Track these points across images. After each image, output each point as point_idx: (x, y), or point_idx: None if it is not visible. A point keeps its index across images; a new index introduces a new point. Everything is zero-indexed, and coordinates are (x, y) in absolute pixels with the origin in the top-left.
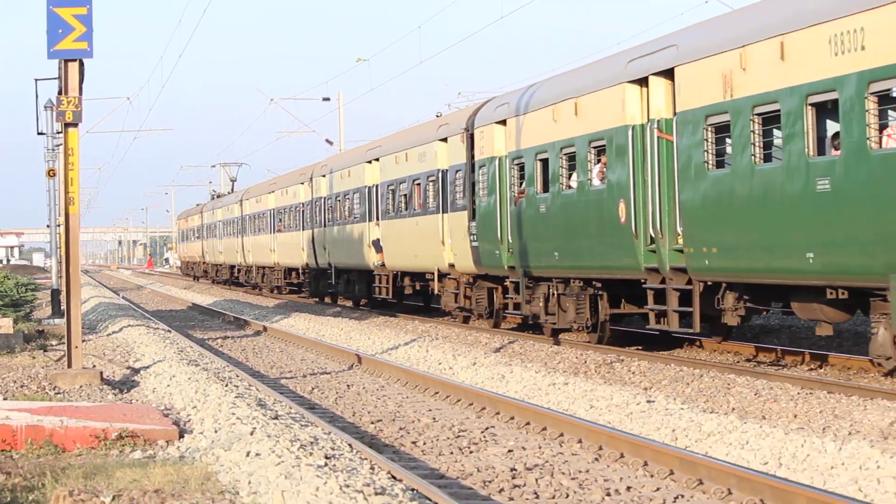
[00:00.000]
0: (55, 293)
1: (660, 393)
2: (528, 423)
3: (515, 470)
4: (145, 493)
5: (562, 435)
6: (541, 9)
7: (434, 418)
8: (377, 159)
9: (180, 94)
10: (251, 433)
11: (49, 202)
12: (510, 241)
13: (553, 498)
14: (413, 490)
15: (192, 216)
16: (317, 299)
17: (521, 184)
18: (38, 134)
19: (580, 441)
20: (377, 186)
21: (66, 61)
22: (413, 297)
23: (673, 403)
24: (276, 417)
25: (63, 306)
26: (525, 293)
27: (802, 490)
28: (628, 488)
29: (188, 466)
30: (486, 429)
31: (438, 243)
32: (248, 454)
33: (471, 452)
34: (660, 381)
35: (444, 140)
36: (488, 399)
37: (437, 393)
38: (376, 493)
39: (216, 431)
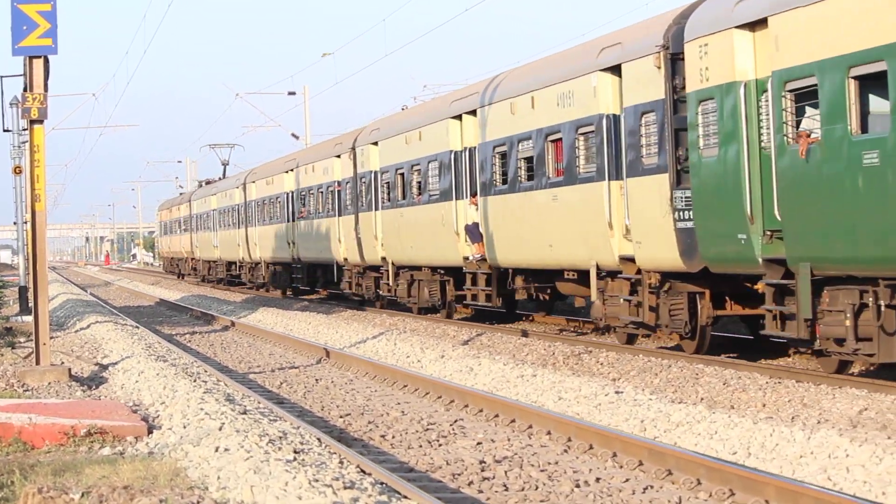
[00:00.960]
0: (23, 290)
1: (628, 384)
2: (496, 416)
3: (485, 462)
4: (114, 490)
5: (530, 427)
6: (505, 1)
7: (403, 411)
8: (473, 112)
9: (146, 89)
10: (220, 428)
11: (15, 199)
12: (776, 216)
13: (522, 490)
14: (382, 483)
15: (177, 206)
16: (359, 302)
17: (798, 123)
18: (4, 131)
19: (549, 433)
20: (473, 150)
21: (31, 58)
22: (520, 304)
23: (641, 394)
24: (244, 412)
25: (31, 303)
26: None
27: (771, 479)
28: (597, 480)
29: (157, 462)
30: (455, 421)
31: (602, 225)
32: (216, 449)
33: (440, 445)
34: (628, 371)
35: (613, 70)
36: (457, 392)
37: (405, 386)
38: (345, 487)
39: (185, 427)
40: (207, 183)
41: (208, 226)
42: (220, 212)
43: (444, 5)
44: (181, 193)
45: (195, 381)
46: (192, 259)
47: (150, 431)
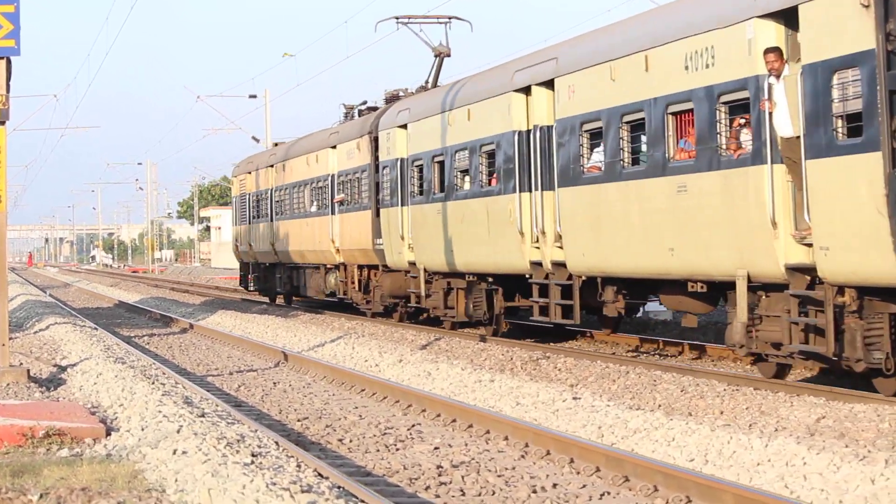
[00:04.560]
0: None
1: (586, 390)
2: (454, 421)
3: (442, 467)
4: (73, 492)
5: (488, 432)
6: (466, 3)
7: (360, 416)
8: (335, 146)
9: (107, 92)
10: (178, 431)
11: None
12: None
13: (479, 495)
14: (339, 487)
15: (294, 158)
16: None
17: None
18: None
19: (506, 438)
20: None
21: None
22: None
23: (599, 400)
24: (202, 415)
25: None
26: None
27: (729, 487)
28: (554, 485)
29: (115, 464)
30: (413, 426)
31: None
32: (174, 452)
33: (397, 450)
34: (586, 377)
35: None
36: (414, 396)
37: (363, 390)
38: (303, 491)
39: (143, 429)
40: (390, 100)
41: (453, 190)
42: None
43: (405, 8)
44: (275, 145)
45: (153, 383)
46: (370, 271)
47: (108, 433)
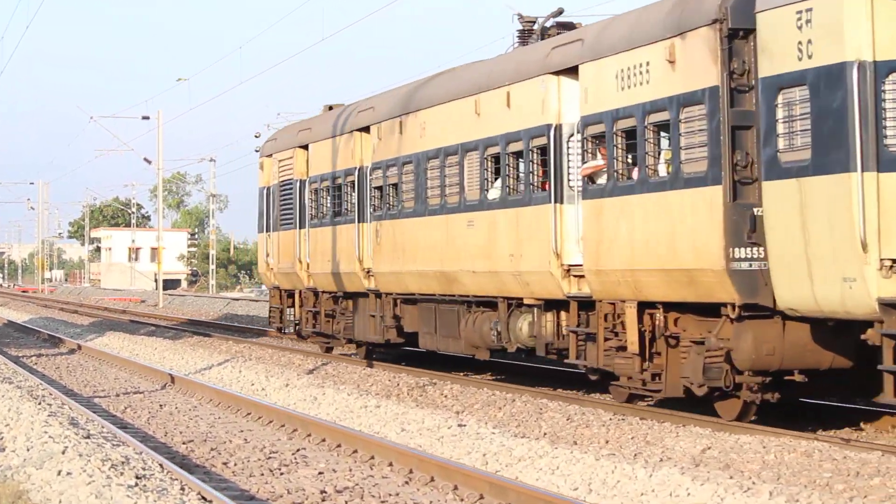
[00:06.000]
0: None
1: (472, 417)
2: (339, 446)
3: (325, 492)
4: None
5: (373, 458)
6: (363, 29)
7: (245, 439)
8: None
9: None
10: (63, 452)
11: None
12: None
13: None
14: None
15: (431, 108)
16: None
17: None
18: None
19: (391, 464)
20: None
21: None
22: None
23: (485, 427)
24: (88, 437)
25: None
26: None
27: None
28: None
29: (0, 484)
30: (298, 450)
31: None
32: (59, 473)
33: (281, 474)
34: (472, 405)
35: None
36: (300, 421)
37: (249, 414)
38: None
39: (28, 450)
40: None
41: None
42: None
43: (300, 33)
44: (329, 108)
45: (40, 403)
46: (666, 316)
47: None
